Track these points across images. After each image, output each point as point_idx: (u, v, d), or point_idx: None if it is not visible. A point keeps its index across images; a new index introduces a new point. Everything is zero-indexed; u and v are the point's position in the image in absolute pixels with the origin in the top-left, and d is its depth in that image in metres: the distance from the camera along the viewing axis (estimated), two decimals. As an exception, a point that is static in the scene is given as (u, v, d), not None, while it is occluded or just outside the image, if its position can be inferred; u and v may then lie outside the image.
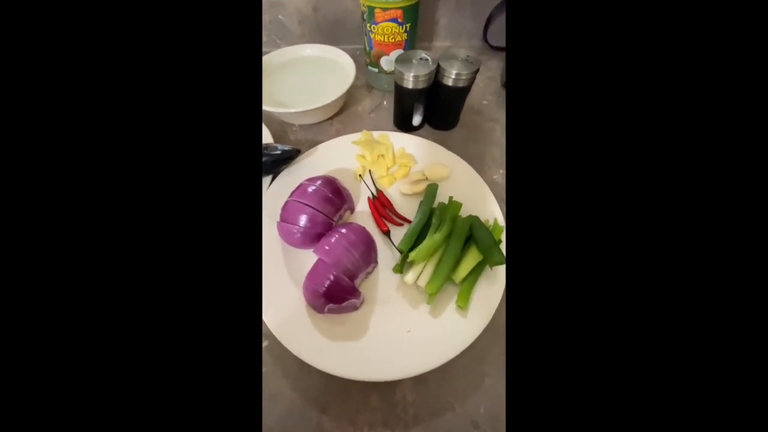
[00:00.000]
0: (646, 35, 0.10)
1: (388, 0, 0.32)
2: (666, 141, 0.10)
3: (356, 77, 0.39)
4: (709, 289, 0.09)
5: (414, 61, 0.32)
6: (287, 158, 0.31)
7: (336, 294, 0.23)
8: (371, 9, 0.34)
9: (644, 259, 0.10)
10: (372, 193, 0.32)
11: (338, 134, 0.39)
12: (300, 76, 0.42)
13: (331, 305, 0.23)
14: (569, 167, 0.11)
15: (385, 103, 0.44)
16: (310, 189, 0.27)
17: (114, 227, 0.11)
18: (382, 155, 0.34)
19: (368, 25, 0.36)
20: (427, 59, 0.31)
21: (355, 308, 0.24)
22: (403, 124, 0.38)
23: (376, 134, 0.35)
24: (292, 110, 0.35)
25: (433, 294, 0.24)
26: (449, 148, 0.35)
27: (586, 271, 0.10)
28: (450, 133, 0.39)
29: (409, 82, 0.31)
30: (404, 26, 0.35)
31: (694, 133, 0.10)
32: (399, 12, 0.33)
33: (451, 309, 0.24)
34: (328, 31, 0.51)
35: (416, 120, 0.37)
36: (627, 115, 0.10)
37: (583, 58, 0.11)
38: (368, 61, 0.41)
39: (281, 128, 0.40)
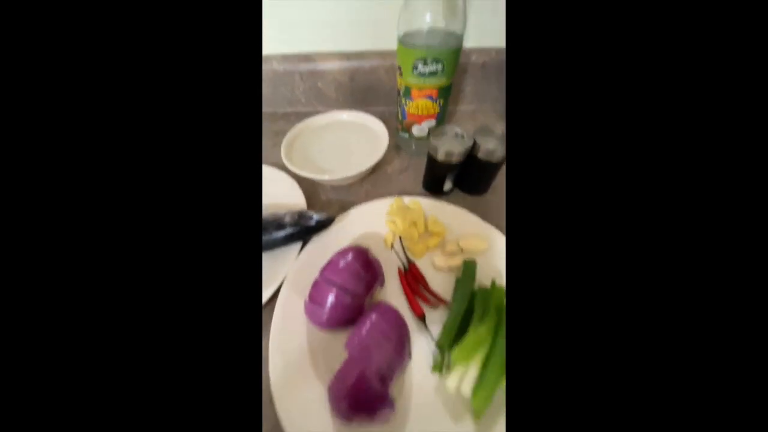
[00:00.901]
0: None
1: (425, 82, 0.34)
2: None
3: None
4: (712, 324, 0.09)
5: (449, 135, 0.32)
6: (321, 227, 0.31)
7: (366, 403, 0.20)
8: (408, 88, 0.36)
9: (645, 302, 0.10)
10: (403, 264, 0.30)
11: (368, 195, 0.40)
12: (336, 140, 0.44)
13: (360, 416, 0.20)
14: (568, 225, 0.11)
15: (413, 164, 0.45)
16: (342, 264, 0.26)
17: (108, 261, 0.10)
18: (414, 222, 0.33)
19: (403, 99, 0.38)
20: (462, 135, 0.32)
21: (387, 420, 0.21)
22: (432, 188, 0.38)
23: (407, 199, 0.35)
24: (328, 177, 0.36)
25: (480, 410, 0.20)
26: (482, 214, 0.34)
27: (583, 326, 0.10)
28: (482, 198, 0.39)
29: (442, 156, 0.31)
30: (438, 102, 0.37)
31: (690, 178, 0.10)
32: (435, 91, 0.35)
33: (502, 426, 0.20)
34: (361, 97, 0.56)
35: (447, 186, 0.37)
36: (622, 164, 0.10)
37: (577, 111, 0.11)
38: (400, 127, 0.43)
39: (313, 188, 0.41)
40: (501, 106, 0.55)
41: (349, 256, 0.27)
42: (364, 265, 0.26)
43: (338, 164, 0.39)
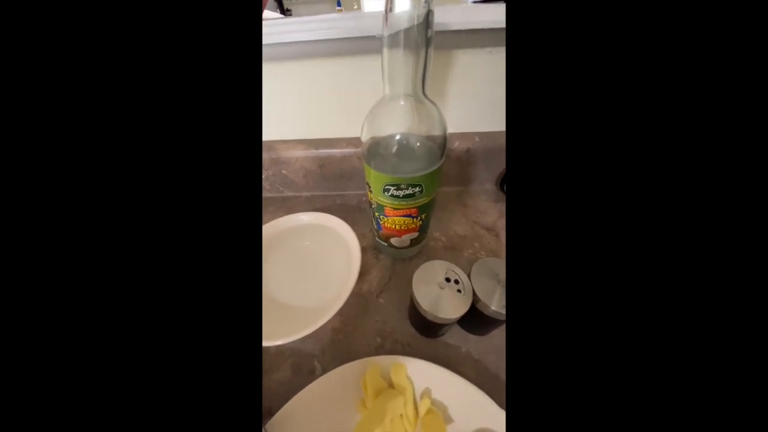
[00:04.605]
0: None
1: (401, 203, 0.27)
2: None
3: (362, 235, 0.32)
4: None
5: (439, 283, 0.24)
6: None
7: None
8: (381, 206, 0.28)
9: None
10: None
11: (333, 342, 0.29)
12: (298, 259, 0.35)
13: None
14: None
15: (396, 274, 0.36)
16: None
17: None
18: (401, 415, 0.22)
19: (377, 214, 0.30)
20: (457, 282, 0.24)
21: None
22: (423, 331, 0.28)
23: (386, 361, 0.25)
24: (281, 342, 0.26)
25: None
26: (484, 360, 0.25)
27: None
28: (489, 338, 0.29)
29: (437, 318, 0.22)
30: (419, 217, 0.29)
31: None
32: (414, 210, 0.28)
33: None
34: (334, 181, 0.49)
35: (443, 331, 0.27)
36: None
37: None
38: (376, 235, 0.35)
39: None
40: (491, 185, 0.49)
41: None
42: None
43: (301, 289, 0.30)
